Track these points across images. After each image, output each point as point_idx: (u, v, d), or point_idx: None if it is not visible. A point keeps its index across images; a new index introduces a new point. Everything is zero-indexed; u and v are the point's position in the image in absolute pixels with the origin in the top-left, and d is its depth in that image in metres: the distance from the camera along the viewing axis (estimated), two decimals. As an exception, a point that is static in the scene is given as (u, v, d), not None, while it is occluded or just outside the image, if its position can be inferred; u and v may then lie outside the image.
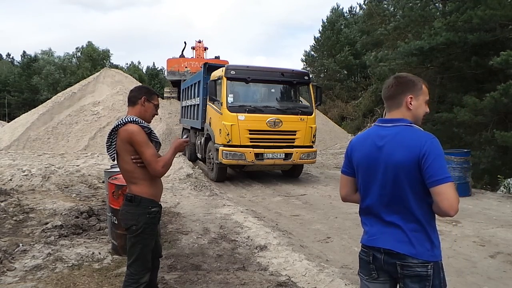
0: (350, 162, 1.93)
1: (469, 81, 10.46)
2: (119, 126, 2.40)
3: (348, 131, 21.84)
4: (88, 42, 48.37)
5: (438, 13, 11.12)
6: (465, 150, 8.19)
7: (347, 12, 36.64)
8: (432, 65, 11.36)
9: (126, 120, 2.41)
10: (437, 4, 11.87)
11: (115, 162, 2.53)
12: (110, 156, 2.50)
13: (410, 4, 11.80)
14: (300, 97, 10.58)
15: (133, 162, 2.40)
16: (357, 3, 36.05)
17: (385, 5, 15.08)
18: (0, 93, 47.88)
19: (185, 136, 2.60)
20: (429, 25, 10.25)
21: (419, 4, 11.47)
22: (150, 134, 2.49)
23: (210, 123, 9.68)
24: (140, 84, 17.88)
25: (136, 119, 2.43)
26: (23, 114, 19.79)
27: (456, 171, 7.78)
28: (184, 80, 16.09)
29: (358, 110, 24.82)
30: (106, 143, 2.49)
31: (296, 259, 3.92)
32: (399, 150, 1.71)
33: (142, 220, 2.43)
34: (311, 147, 9.23)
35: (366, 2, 16.76)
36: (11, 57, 62.07)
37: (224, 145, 8.56)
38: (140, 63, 64.12)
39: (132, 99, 2.55)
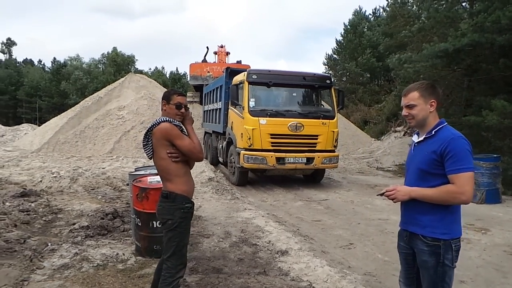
0: None
1: (498, 83, 10.08)
2: (154, 127, 2.66)
3: (371, 135, 21.44)
4: (113, 47, 49.75)
5: (465, 14, 10.79)
6: (495, 156, 7.90)
7: (371, 14, 36.15)
8: (459, 67, 11.02)
9: (160, 120, 2.67)
10: (464, 4, 11.52)
11: (151, 160, 2.76)
12: (147, 154, 2.74)
13: (436, 5, 11.52)
14: (322, 101, 10.50)
15: (168, 156, 2.62)
16: (380, 6, 35.52)
17: (409, 7, 14.76)
18: (32, 98, 49.94)
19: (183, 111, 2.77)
20: (455, 27, 9.96)
21: (444, 5, 11.18)
22: (181, 131, 2.71)
23: (231, 127, 9.74)
24: (165, 89, 18.28)
25: (168, 119, 2.69)
26: (53, 118, 20.56)
27: (485, 177, 7.51)
28: (207, 84, 16.26)
29: (382, 114, 24.34)
30: (143, 142, 2.74)
31: (318, 265, 3.88)
32: None
33: (177, 215, 2.64)
34: (333, 151, 9.12)
35: (389, 4, 16.46)
36: (42, 63, 64.83)
37: (246, 149, 8.58)
38: (164, 68, 65.40)
39: (161, 105, 2.83)
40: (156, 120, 2.71)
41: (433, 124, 2.13)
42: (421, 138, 2.17)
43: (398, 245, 2.32)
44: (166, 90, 3.37)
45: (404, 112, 2.18)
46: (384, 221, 6.05)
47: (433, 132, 2.11)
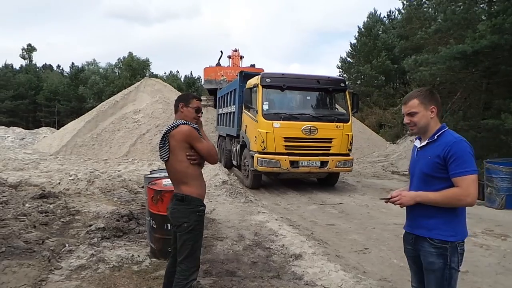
0: None
1: (518, 86, 9.85)
2: (172, 129, 2.65)
3: (386, 139, 21.15)
4: (129, 52, 50.57)
5: (483, 15, 10.57)
6: (515, 160, 7.68)
7: (385, 17, 35.78)
8: (477, 69, 10.80)
9: (178, 123, 2.68)
10: (482, 5, 11.30)
11: (167, 162, 2.73)
12: (163, 157, 2.71)
13: (453, 7, 11.33)
14: (336, 104, 10.44)
15: (187, 158, 2.64)
16: (395, 8, 35.03)
17: (425, 9, 14.54)
18: (51, 102, 51.15)
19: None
20: (472, 28, 9.78)
21: (462, 7, 10.99)
22: (198, 132, 2.75)
23: (245, 130, 9.77)
24: (179, 93, 18.47)
25: (186, 122, 2.70)
26: (71, 122, 21.02)
27: (505, 181, 7.32)
28: (220, 88, 16.39)
29: (397, 117, 23.90)
30: (159, 144, 2.73)
31: (332, 269, 3.84)
32: None
33: (192, 218, 2.64)
34: (348, 155, 9.05)
35: (405, 6, 16.27)
36: (61, 68, 66.33)
37: (259, 153, 8.59)
38: (178, 72, 65.74)
39: (175, 107, 2.83)
40: (173, 122, 2.71)
41: (435, 129, 2.17)
42: (424, 143, 2.20)
43: (405, 249, 2.34)
44: (180, 93, 3.38)
45: (406, 120, 2.22)
46: (400, 226, 5.92)
47: (435, 137, 2.15)
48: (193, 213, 2.66)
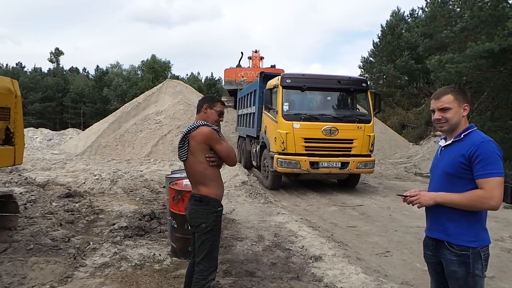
0: None
1: (550, 85, 9.45)
2: (192, 130, 2.66)
3: (409, 139, 20.69)
4: (152, 55, 51.47)
5: (511, 13, 10.19)
6: (547, 162, 7.36)
7: (408, 15, 34.99)
8: (505, 68, 10.43)
9: (198, 124, 2.69)
10: (511, 2, 10.89)
11: (185, 162, 2.75)
12: (182, 157, 2.73)
13: (480, 4, 10.97)
14: (358, 105, 10.30)
15: (206, 160, 2.65)
16: (419, 6, 34.19)
17: (450, 6, 14.13)
18: (77, 104, 52.80)
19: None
20: (502, 26, 9.43)
21: (489, 4, 10.62)
22: (218, 134, 2.75)
23: (265, 131, 9.78)
24: (201, 94, 18.63)
25: (206, 123, 2.71)
26: (96, 123, 21.60)
27: (536, 184, 7.01)
28: (241, 89, 16.46)
29: (420, 118, 23.41)
30: (179, 145, 2.75)
31: (353, 272, 3.80)
32: None
33: (211, 218, 2.67)
34: (369, 156, 8.91)
35: (429, 4, 15.88)
36: (86, 71, 68.36)
37: (279, 153, 8.58)
38: (199, 73, 66.46)
39: (198, 107, 2.83)
40: (194, 123, 2.72)
41: (463, 128, 2.07)
42: (449, 142, 2.11)
43: (425, 254, 2.25)
44: (203, 95, 3.42)
45: (437, 115, 2.10)
46: (423, 229, 5.79)
47: (462, 136, 2.04)
48: (211, 214, 2.68)
